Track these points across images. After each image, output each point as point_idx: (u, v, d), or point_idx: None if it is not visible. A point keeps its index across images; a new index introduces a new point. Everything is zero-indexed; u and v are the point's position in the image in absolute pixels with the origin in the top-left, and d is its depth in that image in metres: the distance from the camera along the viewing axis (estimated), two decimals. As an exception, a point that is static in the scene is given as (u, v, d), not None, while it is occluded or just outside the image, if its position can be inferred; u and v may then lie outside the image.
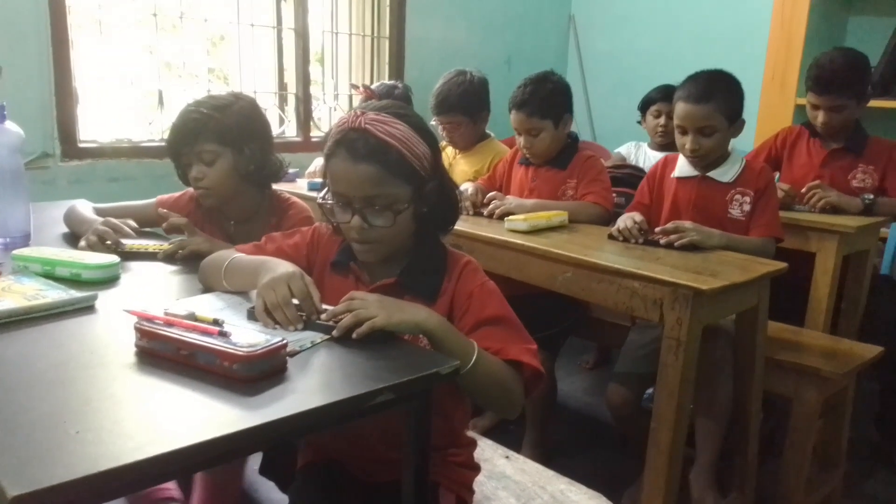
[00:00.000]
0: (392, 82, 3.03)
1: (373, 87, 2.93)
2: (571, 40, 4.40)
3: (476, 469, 1.35)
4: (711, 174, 2.06)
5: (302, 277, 1.14)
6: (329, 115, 3.60)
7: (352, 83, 3.41)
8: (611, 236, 1.97)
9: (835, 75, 2.36)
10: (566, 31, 4.41)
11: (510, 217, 2.07)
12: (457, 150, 2.73)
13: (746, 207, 2.02)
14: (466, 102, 2.58)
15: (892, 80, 3.09)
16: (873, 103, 2.55)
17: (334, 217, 1.22)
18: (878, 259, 2.75)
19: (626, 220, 1.97)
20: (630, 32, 4.14)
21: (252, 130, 1.66)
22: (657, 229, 1.94)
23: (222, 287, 1.27)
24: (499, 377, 1.12)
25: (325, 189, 1.23)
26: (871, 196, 2.36)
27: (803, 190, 2.39)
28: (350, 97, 3.57)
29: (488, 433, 2.38)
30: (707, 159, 2.04)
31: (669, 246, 1.85)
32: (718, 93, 1.97)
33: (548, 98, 2.23)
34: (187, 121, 1.62)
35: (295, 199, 1.80)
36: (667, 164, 2.18)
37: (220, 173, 1.63)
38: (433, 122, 2.64)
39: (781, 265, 1.77)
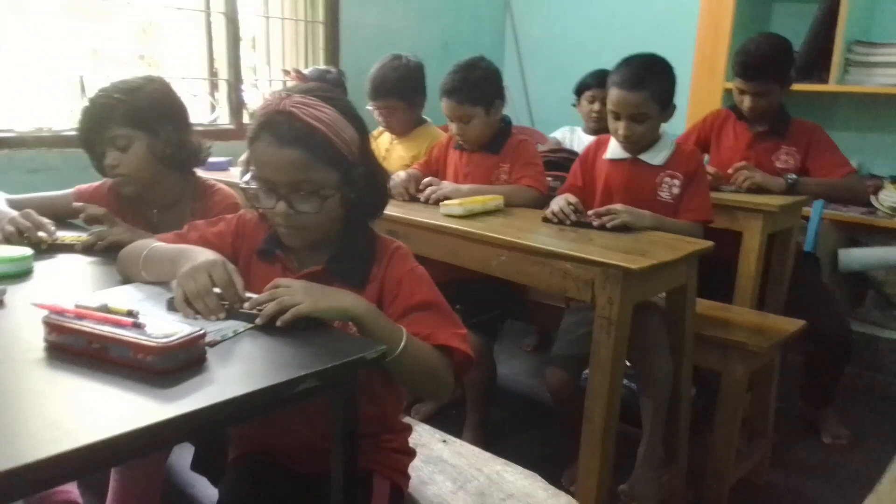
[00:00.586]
0: (325, 68, 2.98)
1: (305, 72, 2.87)
2: (508, 26, 4.41)
3: (411, 454, 1.35)
4: (642, 157, 2.09)
5: (224, 265, 1.11)
6: (262, 101, 3.51)
7: (283, 69, 3.33)
8: (545, 219, 1.98)
9: (761, 61, 2.42)
10: (502, 17, 4.42)
11: (446, 202, 2.06)
12: (393, 136, 2.71)
13: (675, 190, 2.06)
14: (402, 87, 2.56)
15: (814, 65, 3.20)
16: (795, 87, 2.63)
17: (259, 203, 1.19)
18: (802, 237, 2.86)
19: (560, 201, 1.99)
20: (565, 18, 4.18)
21: (166, 111, 1.61)
22: (590, 212, 1.97)
23: (141, 278, 1.22)
24: (427, 362, 1.12)
25: (249, 174, 1.19)
26: (794, 176, 2.44)
27: (730, 171, 2.46)
28: (284, 83, 3.49)
29: (430, 419, 2.39)
30: (639, 144, 2.07)
31: (602, 227, 1.88)
32: (652, 80, 1.99)
33: (478, 85, 2.23)
34: (96, 107, 1.56)
35: (220, 185, 1.75)
36: (599, 146, 2.21)
37: (135, 158, 1.58)
38: (369, 108, 2.61)
39: (708, 244, 1.82)
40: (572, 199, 2.00)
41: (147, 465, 1.60)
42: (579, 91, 3.05)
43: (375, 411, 1.23)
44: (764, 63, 2.41)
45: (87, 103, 1.59)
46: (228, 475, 1.28)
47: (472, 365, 1.18)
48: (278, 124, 1.12)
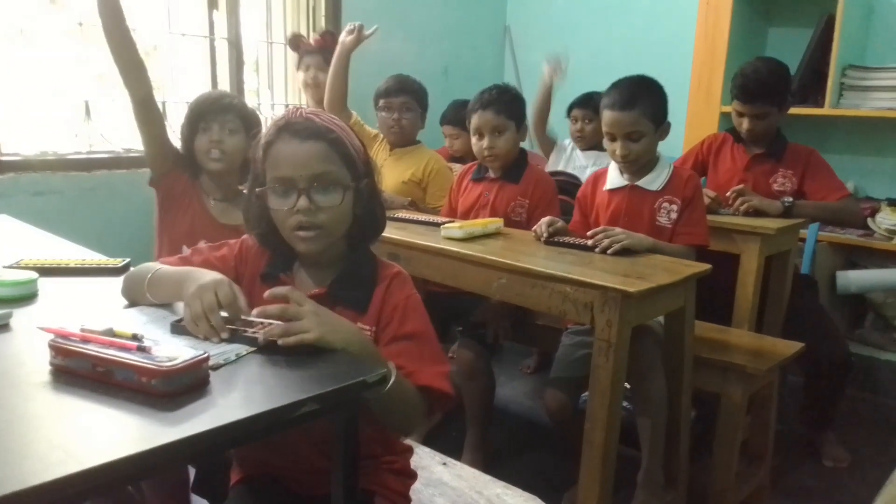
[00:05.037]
0: None
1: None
2: (507, 50, 4.47)
3: (412, 477, 1.35)
4: (640, 183, 2.11)
5: (230, 285, 1.13)
6: (265, 124, 3.55)
7: (294, 33, 3.33)
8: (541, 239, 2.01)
9: (759, 84, 2.45)
10: (502, 42, 4.47)
11: (446, 225, 2.08)
12: (390, 150, 2.75)
13: (673, 216, 2.07)
14: (418, 93, 2.73)
15: (809, 89, 3.24)
16: (791, 110, 2.67)
17: (276, 205, 1.17)
18: (799, 259, 2.88)
19: (542, 224, 2.06)
20: (564, 43, 4.20)
21: (255, 125, 2.00)
22: (589, 233, 1.98)
23: (146, 300, 1.24)
24: (409, 402, 1.13)
25: (256, 183, 1.21)
26: (791, 199, 2.46)
27: (728, 194, 2.49)
28: (286, 107, 3.54)
29: (428, 438, 2.39)
30: (638, 163, 2.09)
31: (603, 252, 1.89)
32: (642, 98, 2.03)
33: (512, 102, 2.35)
34: (220, 95, 2.03)
35: None
36: (596, 181, 2.24)
37: (235, 144, 1.99)
38: (381, 112, 2.71)
39: (706, 267, 1.83)
40: (557, 222, 2.06)
41: (176, 484, 1.63)
42: (568, 112, 3.15)
43: (377, 433, 1.24)
44: (762, 86, 2.45)
45: (199, 96, 2.04)
46: (231, 497, 1.28)
47: (452, 402, 1.20)
48: (297, 124, 1.18)
